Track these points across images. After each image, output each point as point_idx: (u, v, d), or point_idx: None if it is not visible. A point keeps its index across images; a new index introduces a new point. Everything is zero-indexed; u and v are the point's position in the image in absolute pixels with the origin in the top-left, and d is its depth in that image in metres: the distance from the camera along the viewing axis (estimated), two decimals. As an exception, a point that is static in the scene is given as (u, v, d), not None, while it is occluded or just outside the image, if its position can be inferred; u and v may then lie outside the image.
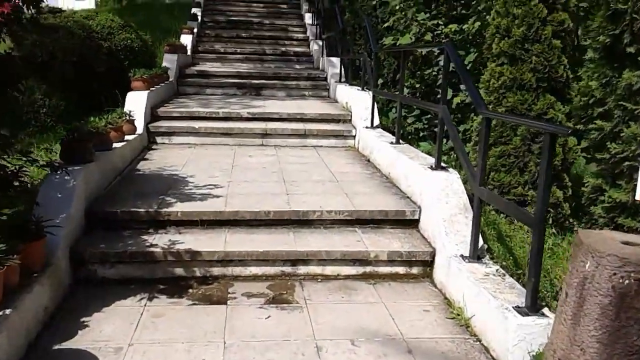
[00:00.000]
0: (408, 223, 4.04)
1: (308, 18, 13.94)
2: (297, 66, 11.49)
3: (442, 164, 4.14)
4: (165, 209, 3.86)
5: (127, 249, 3.47)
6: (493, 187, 5.06)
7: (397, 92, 5.71)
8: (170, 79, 8.74)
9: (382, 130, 6.24)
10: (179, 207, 3.93)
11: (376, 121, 6.43)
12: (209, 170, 5.15)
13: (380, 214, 4.02)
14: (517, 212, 2.85)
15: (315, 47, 11.78)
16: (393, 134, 6.53)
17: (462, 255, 3.28)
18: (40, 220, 2.92)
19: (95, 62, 8.64)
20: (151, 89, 6.98)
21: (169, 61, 9.14)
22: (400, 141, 5.26)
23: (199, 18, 13.33)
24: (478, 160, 3.14)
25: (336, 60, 9.49)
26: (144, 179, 4.79)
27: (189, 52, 10.94)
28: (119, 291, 3.26)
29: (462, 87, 6.58)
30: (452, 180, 3.91)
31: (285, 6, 15.89)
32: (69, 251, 3.37)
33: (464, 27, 6.90)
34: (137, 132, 5.90)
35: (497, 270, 3.11)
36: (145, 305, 3.09)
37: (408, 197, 4.34)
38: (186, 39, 11.38)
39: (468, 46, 7.08)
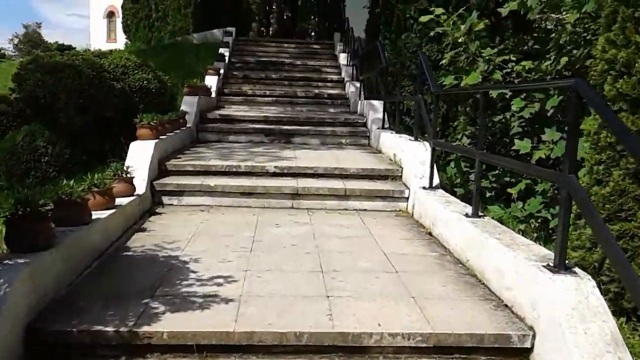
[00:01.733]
0: (514, 353, 2.63)
1: (343, 58, 12.89)
2: (332, 110, 10.32)
3: (567, 261, 2.73)
4: (145, 327, 2.55)
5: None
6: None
7: (474, 147, 4.41)
8: (188, 125, 7.64)
9: (444, 192, 4.89)
10: (166, 322, 2.62)
11: (436, 180, 5.09)
12: (220, 250, 3.86)
13: (471, 339, 2.62)
14: None
15: (351, 89, 10.62)
16: (456, 194, 5.19)
17: None
18: None
19: (104, 105, 7.61)
20: (161, 137, 5.82)
21: (188, 104, 8.07)
22: (480, 212, 3.88)
23: (227, 58, 12.42)
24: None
25: (378, 104, 8.25)
26: (131, 264, 3.51)
27: (213, 94, 9.93)
28: None
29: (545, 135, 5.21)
30: (586, 291, 2.51)
31: (318, 46, 14.96)
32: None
33: (541, 65, 5.59)
34: (136, 193, 4.68)
35: None
36: None
37: (507, 307, 2.93)
38: (211, 80, 10.39)
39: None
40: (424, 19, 5.91)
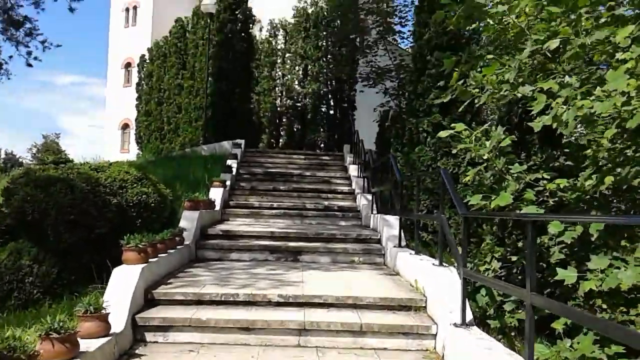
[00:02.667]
0: None
1: (353, 170, 12.55)
2: (343, 223, 9.72)
3: None
4: None
5: None
6: None
7: (508, 275, 3.66)
8: (187, 242, 7.00)
9: (481, 332, 4.07)
10: None
11: (469, 314, 4.30)
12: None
13: None
14: None
15: (363, 201, 10.09)
16: (489, 328, 4.38)
17: None
18: None
19: (98, 221, 7.05)
20: (151, 260, 5.15)
21: (188, 220, 7.50)
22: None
23: (234, 170, 12.10)
24: None
25: (393, 219, 7.62)
26: None
27: (217, 207, 9.43)
28: None
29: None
30: None
31: (327, 158, 14.74)
32: None
33: (579, 183, 5.01)
34: (112, 331, 3.92)
35: None
36: None
37: None
38: (216, 193, 9.94)
39: (583, 206, 5.12)
40: (443, 134, 5.45)
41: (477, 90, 5.41)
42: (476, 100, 5.44)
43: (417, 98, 8.77)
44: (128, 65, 31.02)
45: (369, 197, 9.87)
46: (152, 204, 7.81)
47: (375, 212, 9.07)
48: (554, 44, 4.55)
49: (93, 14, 67.27)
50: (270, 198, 11.04)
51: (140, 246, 4.88)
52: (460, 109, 6.32)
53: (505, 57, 5.24)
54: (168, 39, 22.01)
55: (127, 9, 31.69)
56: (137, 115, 24.30)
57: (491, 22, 5.88)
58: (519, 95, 5.05)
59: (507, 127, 5.89)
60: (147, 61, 23.94)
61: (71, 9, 12.11)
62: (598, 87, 4.22)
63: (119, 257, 5.20)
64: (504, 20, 5.83)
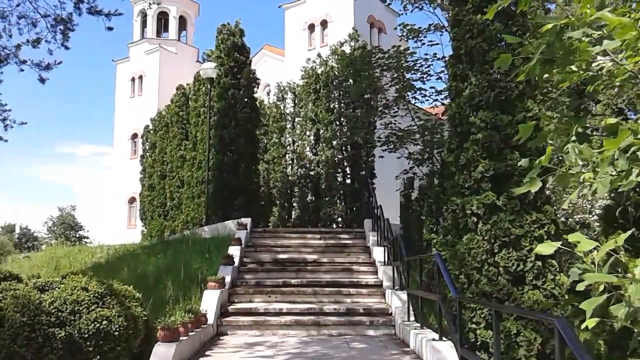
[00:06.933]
0: None
1: (378, 253, 10.45)
2: (372, 332, 7.59)
3: None
4: None
5: None
6: None
7: None
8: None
9: None
10: None
11: None
12: None
13: None
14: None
15: (396, 302, 7.96)
16: None
17: None
18: None
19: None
20: None
21: (159, 358, 5.45)
22: None
23: (236, 259, 10.07)
24: None
25: (448, 352, 5.38)
26: None
27: (210, 320, 7.41)
28: None
29: None
30: None
31: (346, 236, 12.62)
32: None
33: None
34: None
35: None
36: None
37: None
38: (211, 299, 7.98)
39: None
40: (544, 250, 3.44)
41: (586, 171, 3.41)
42: (586, 190, 3.43)
43: (460, 171, 6.81)
44: (134, 136, 29.89)
45: (404, 297, 7.74)
46: (117, 332, 5.79)
47: (412, 318, 6.94)
48: None
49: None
50: (280, 297, 8.98)
51: None
52: (532, 189, 4.26)
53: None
54: (170, 108, 20.71)
55: (133, 79, 30.94)
56: (142, 189, 22.73)
57: (574, 68, 3.96)
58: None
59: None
60: (151, 132, 22.63)
61: (42, 80, 10.65)
62: None
63: None
64: (597, 64, 3.91)
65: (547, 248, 3.43)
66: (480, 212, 6.46)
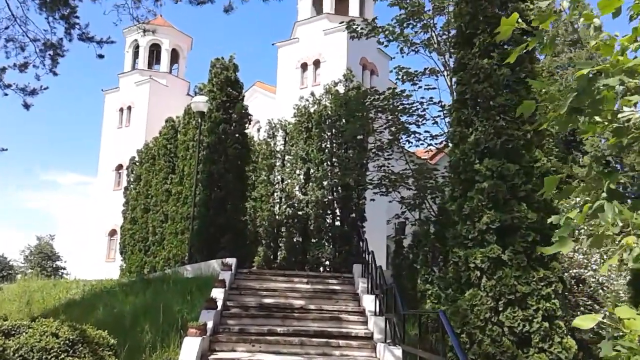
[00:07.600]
0: None
1: (368, 301, 9.94)
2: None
3: None
4: None
5: None
6: None
7: None
8: None
9: None
10: None
11: None
12: None
13: None
14: None
15: (389, 358, 7.44)
16: None
17: None
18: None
19: None
20: None
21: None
22: None
23: (219, 303, 9.49)
24: None
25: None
26: None
27: (189, 373, 6.78)
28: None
29: None
30: None
31: (335, 281, 12.08)
32: None
33: None
34: None
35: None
36: None
37: None
38: (190, 348, 7.42)
39: None
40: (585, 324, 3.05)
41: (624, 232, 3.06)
42: (626, 255, 3.07)
43: (464, 220, 6.45)
44: (119, 167, 29.31)
45: (397, 352, 7.24)
46: (85, 388, 5.20)
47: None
48: None
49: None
50: (264, 346, 8.41)
51: None
52: (563, 250, 3.92)
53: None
54: (158, 140, 20.30)
55: (122, 109, 30.57)
56: (123, 222, 22.03)
57: (598, 118, 3.66)
58: None
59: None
60: (137, 163, 22.12)
61: (26, 106, 10.25)
62: None
63: None
64: (624, 115, 3.62)
65: (586, 322, 3.02)
66: (485, 266, 6.07)
